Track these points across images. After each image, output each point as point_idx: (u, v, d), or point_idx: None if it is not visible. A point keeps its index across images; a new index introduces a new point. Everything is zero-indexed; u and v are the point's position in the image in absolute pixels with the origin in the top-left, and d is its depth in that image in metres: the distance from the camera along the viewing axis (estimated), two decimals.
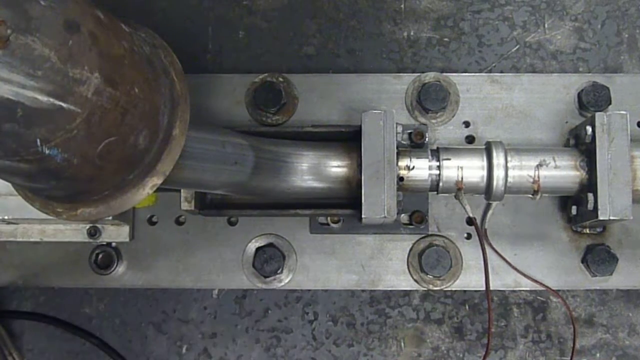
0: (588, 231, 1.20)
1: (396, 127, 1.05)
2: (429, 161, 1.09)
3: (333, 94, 1.24)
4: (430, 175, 1.09)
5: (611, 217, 1.05)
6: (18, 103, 0.61)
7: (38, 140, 0.65)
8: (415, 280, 1.20)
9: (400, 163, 1.08)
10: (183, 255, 1.22)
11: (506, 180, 1.08)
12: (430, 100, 1.21)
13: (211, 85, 1.24)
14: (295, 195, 1.09)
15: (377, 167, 1.04)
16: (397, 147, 1.05)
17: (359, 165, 1.05)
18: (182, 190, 1.08)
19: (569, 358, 1.17)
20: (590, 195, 1.07)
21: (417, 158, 1.09)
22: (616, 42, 1.29)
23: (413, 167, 1.08)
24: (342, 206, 1.11)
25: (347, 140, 1.10)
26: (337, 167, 1.08)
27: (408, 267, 1.21)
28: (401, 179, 1.08)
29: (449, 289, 1.20)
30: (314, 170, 1.07)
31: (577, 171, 1.09)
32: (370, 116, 1.05)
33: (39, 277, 1.22)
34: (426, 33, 1.31)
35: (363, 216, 1.03)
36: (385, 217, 1.03)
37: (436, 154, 1.09)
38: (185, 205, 1.08)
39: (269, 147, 1.06)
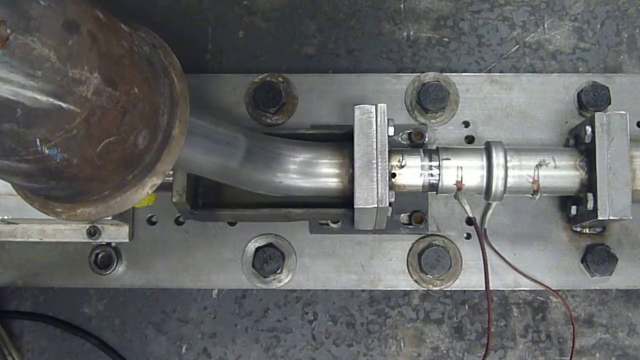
0: (588, 231, 1.20)
1: (387, 122, 1.04)
2: (421, 160, 1.08)
3: (333, 94, 1.24)
4: (422, 174, 1.08)
5: (611, 217, 1.05)
6: (17, 103, 0.61)
7: (38, 140, 0.65)
8: (415, 280, 1.20)
9: (392, 162, 1.07)
10: (183, 255, 1.22)
11: (506, 180, 1.08)
12: (430, 100, 1.21)
13: (211, 85, 1.24)
14: (287, 192, 1.08)
15: (370, 157, 1.03)
16: (391, 146, 1.05)
17: (352, 159, 1.04)
18: (173, 183, 1.06)
19: (569, 358, 1.17)
20: (590, 195, 1.07)
21: (410, 155, 1.09)
22: (616, 42, 1.29)
23: (405, 165, 1.08)
24: (335, 206, 1.10)
25: (342, 141, 1.10)
26: (329, 163, 1.07)
27: (408, 267, 1.20)
28: (393, 175, 1.08)
29: (449, 288, 1.20)
30: (307, 165, 1.06)
31: (576, 171, 1.09)
32: (362, 110, 1.05)
33: (39, 277, 1.22)
34: (426, 33, 1.30)
35: (355, 205, 1.02)
36: (377, 205, 1.02)
37: (435, 153, 1.09)
38: (176, 198, 1.05)
39: (262, 139, 1.05)
